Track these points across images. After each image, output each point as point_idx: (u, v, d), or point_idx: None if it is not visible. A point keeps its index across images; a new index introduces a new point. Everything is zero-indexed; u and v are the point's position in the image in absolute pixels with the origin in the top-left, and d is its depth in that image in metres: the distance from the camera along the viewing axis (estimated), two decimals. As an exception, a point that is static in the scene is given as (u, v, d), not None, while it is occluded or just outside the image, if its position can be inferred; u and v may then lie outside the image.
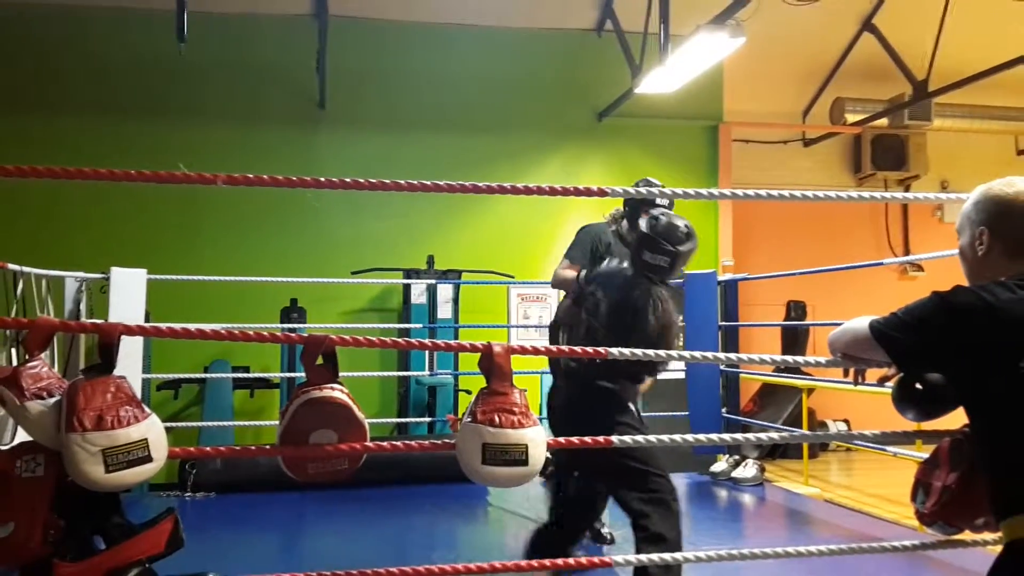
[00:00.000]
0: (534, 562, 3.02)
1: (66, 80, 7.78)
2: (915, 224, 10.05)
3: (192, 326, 2.18)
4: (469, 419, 2.13)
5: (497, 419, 2.09)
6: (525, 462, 2.10)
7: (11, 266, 4.21)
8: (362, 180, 2.29)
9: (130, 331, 2.13)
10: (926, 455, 2.39)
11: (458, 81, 8.52)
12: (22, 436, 2.91)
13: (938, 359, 2.02)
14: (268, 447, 2.22)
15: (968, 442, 2.21)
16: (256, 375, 7.50)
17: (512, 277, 7.97)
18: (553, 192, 2.39)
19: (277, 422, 6.98)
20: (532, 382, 7.72)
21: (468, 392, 7.55)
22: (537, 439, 2.13)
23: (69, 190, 6.90)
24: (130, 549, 2.03)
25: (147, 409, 2.03)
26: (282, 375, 7.33)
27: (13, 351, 3.82)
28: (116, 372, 2.04)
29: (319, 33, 7.37)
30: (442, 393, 7.51)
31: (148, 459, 1.98)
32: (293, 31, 8.02)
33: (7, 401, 2.00)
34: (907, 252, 9.80)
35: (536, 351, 2.34)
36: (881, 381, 2.32)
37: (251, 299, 7.40)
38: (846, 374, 2.31)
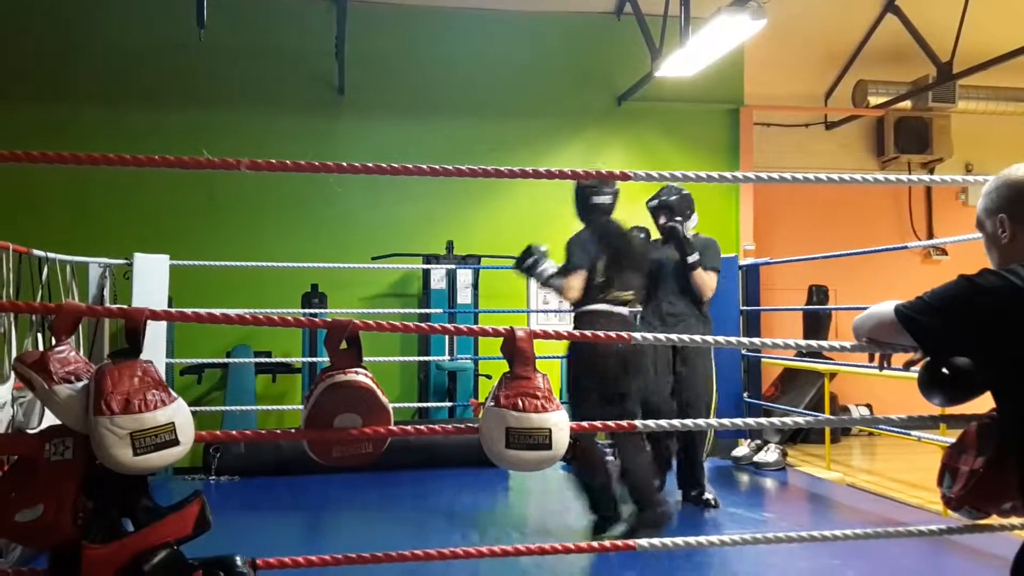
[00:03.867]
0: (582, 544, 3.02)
1: (86, 66, 7.81)
2: (939, 207, 9.94)
3: (217, 311, 2.20)
4: (492, 404, 2.13)
5: (521, 403, 2.10)
6: (549, 446, 2.11)
7: (36, 252, 4.25)
8: (383, 165, 2.30)
9: (156, 316, 2.15)
10: (950, 439, 2.37)
11: (477, 66, 8.49)
12: (50, 420, 2.94)
13: (965, 342, 2.00)
14: (293, 431, 2.23)
15: (995, 426, 2.19)
16: (278, 360, 7.55)
17: (532, 262, 7.95)
18: (575, 176, 2.39)
19: (299, 407, 7.02)
20: (553, 366, 7.73)
21: (488, 377, 7.56)
22: (560, 423, 2.13)
23: (92, 176, 6.95)
24: (158, 531, 2.05)
25: (173, 393, 2.05)
26: (304, 360, 7.37)
27: (39, 336, 3.86)
28: (142, 357, 2.06)
29: (338, 18, 7.36)
30: (462, 378, 7.53)
31: (175, 442, 2.00)
32: (312, 16, 8.02)
33: (36, 385, 2.02)
34: (930, 236, 9.71)
35: (559, 335, 2.34)
36: (907, 366, 2.31)
37: (272, 284, 7.43)
38: (871, 359, 2.29)
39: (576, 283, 4.60)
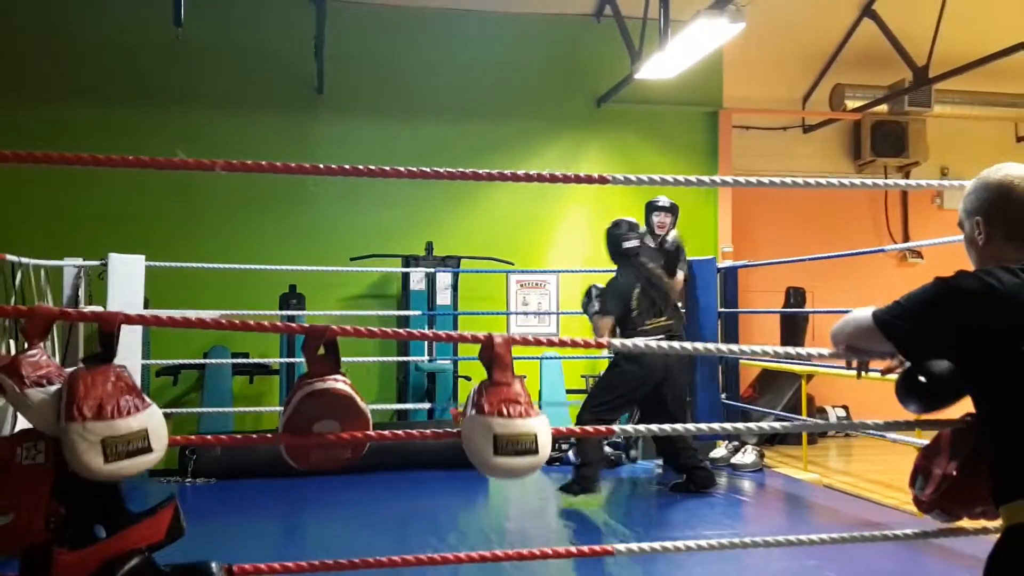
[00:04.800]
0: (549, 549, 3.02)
1: (60, 63, 7.73)
2: (915, 211, 10.04)
3: (192, 315, 2.17)
4: (475, 412, 2.12)
5: (506, 410, 2.09)
6: (536, 451, 2.11)
7: (9, 257, 4.19)
8: (361, 167, 2.28)
9: (130, 320, 2.12)
10: (925, 441, 2.38)
11: (457, 66, 8.48)
12: (23, 425, 2.90)
13: (943, 345, 2.01)
14: (270, 435, 2.21)
15: (970, 430, 2.21)
16: (255, 361, 7.49)
17: (512, 264, 7.96)
18: (554, 179, 2.38)
19: (277, 408, 6.98)
20: (531, 367, 7.74)
21: (468, 379, 7.55)
22: (543, 428, 2.14)
23: (65, 176, 6.87)
24: (130, 537, 2.03)
25: (147, 399, 2.03)
26: (281, 361, 7.32)
27: (12, 341, 3.82)
28: (116, 360, 2.03)
29: (317, 17, 7.33)
30: (442, 379, 7.51)
31: (148, 449, 1.98)
32: (291, 15, 7.96)
33: (7, 389, 1.99)
34: (906, 239, 9.79)
35: (538, 341, 2.34)
36: (885, 373, 2.32)
37: (250, 285, 7.38)
38: (849, 366, 2.30)
39: (607, 326, 5.59)
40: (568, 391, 7.88)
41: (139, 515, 2.09)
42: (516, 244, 8.29)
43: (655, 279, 5.82)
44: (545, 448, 2.13)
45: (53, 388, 1.99)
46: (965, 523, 2.35)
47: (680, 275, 6.47)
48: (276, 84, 8.18)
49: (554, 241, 8.69)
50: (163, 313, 2.18)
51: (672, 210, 6.51)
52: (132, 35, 7.72)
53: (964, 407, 2.13)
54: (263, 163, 2.15)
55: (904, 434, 5.50)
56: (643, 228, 6.21)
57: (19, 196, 7.30)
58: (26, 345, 2.08)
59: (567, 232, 8.69)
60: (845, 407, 9.12)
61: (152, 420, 2.00)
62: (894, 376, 2.30)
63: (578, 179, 2.41)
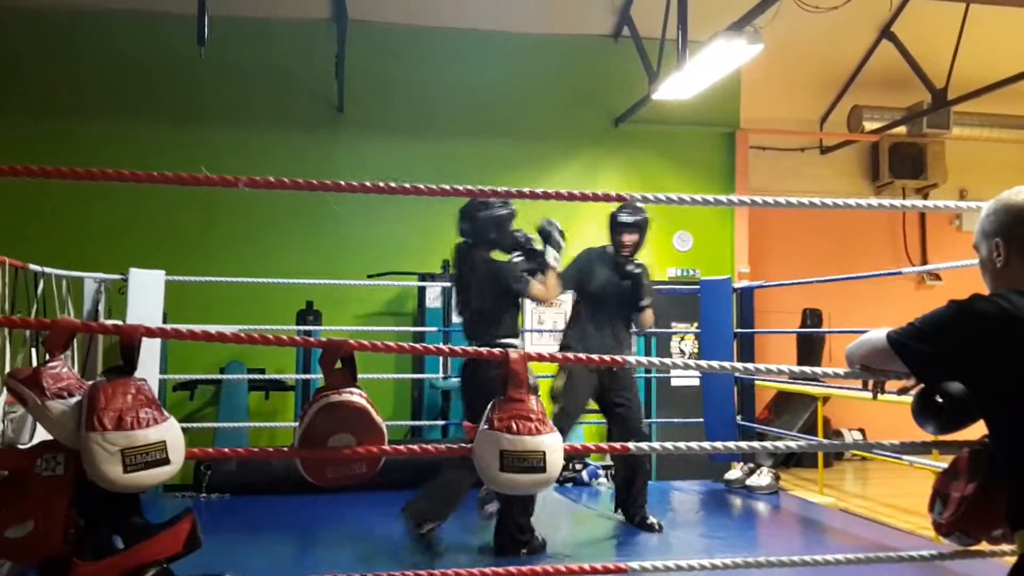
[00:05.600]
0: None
1: (87, 82, 7.85)
2: (933, 233, 9.99)
3: (212, 329, 2.19)
4: (486, 427, 2.13)
5: (515, 426, 2.10)
6: (543, 469, 2.10)
7: (32, 267, 4.24)
8: (381, 184, 2.31)
9: (151, 333, 2.15)
10: (942, 465, 2.37)
11: (475, 86, 8.54)
12: (41, 436, 2.93)
13: (956, 368, 2.01)
14: (285, 449, 2.23)
15: (987, 452, 2.20)
16: (271, 377, 7.53)
17: (527, 282, 7.97)
18: (571, 197, 2.39)
19: (292, 424, 6.96)
20: (544, 385, 7.71)
21: (482, 396, 7.54)
22: (554, 445, 2.13)
23: (90, 191, 6.94)
24: (148, 549, 2.05)
25: (166, 412, 2.05)
26: (297, 377, 7.35)
27: (33, 351, 3.86)
28: (136, 373, 2.06)
29: (338, 37, 7.40)
30: (456, 397, 7.51)
31: (166, 461, 2.00)
32: (312, 35, 8.06)
33: (28, 400, 2.02)
34: (924, 261, 9.74)
35: (553, 358, 2.34)
36: (901, 392, 2.31)
37: (267, 301, 7.42)
38: (865, 386, 2.30)
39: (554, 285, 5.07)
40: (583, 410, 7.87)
41: (157, 527, 2.11)
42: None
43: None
44: (554, 466, 2.13)
45: (73, 400, 2.02)
46: (982, 547, 2.33)
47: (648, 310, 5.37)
48: (297, 103, 8.25)
49: (571, 260, 8.68)
50: (183, 327, 2.20)
51: (634, 228, 5.37)
52: (156, 54, 7.82)
53: (982, 428, 2.13)
54: (285, 180, 2.18)
55: (921, 457, 5.46)
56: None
57: (44, 210, 7.39)
58: (47, 356, 2.11)
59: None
60: (861, 430, 9.06)
61: (170, 432, 2.03)
62: (910, 397, 2.30)
63: (596, 197, 2.42)
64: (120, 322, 5.05)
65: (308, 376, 7.08)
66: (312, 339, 2.71)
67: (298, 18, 8.13)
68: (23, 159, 2.27)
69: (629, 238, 5.36)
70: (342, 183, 2.28)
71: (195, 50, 5.89)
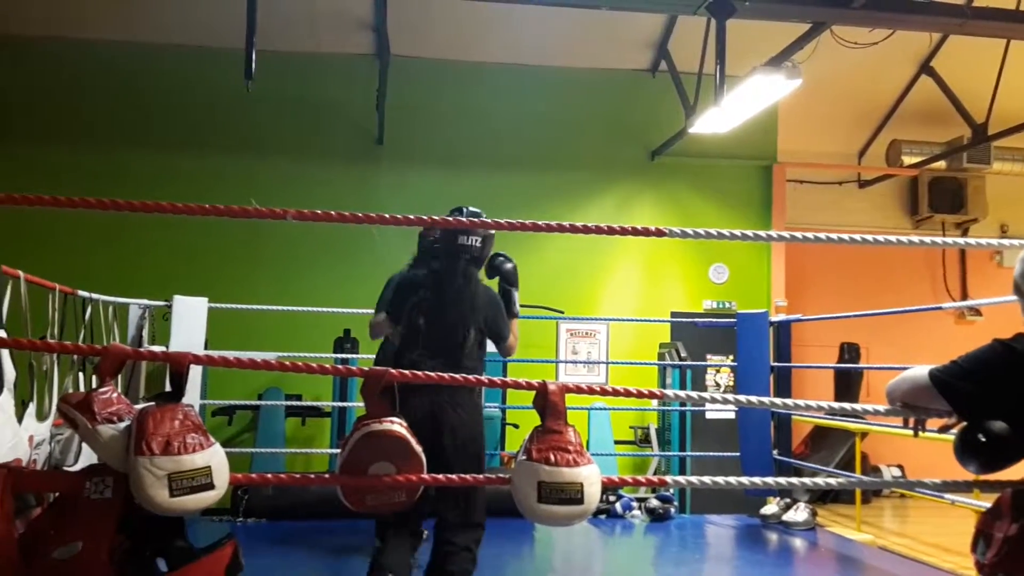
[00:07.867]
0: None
1: (138, 114, 8.05)
2: (973, 268, 9.86)
3: (258, 357, 2.24)
4: (524, 457, 2.15)
5: (553, 458, 2.11)
6: (581, 500, 2.12)
7: (81, 293, 4.35)
8: (424, 217, 2.35)
9: (199, 360, 2.20)
10: (984, 504, 2.35)
11: (513, 118, 8.62)
12: (86, 458, 2.99)
13: (1000, 407, 2.00)
14: (326, 475, 2.26)
15: (1030, 493, 2.17)
16: (308, 403, 7.59)
17: (562, 312, 7.99)
18: (611, 231, 2.42)
19: (327, 450, 6.97)
20: (580, 418, 7.71)
21: (516, 426, 7.55)
22: (592, 477, 2.14)
23: (136, 220, 7.11)
24: (191, 573, 2.09)
25: (211, 438, 2.10)
26: (334, 404, 7.40)
27: (80, 374, 3.94)
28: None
29: (380, 72, 7.53)
30: (490, 427, 7.51)
31: (211, 486, 2.04)
32: (355, 70, 8.20)
33: (79, 424, 2.08)
34: (964, 296, 9.61)
35: (592, 390, 2.35)
36: (942, 430, 2.30)
37: (306, 328, 7.50)
38: (906, 424, 2.29)
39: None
40: (616, 441, 7.84)
41: (200, 551, 2.15)
42: (567, 293, 8.32)
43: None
44: (592, 498, 2.14)
45: (123, 424, 2.07)
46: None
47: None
48: (339, 135, 8.39)
49: (606, 290, 8.71)
50: (230, 354, 2.25)
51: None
52: (204, 87, 8.01)
53: (1024, 469, 2.11)
54: (332, 212, 2.23)
55: (963, 495, 5.37)
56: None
57: (92, 237, 7.55)
58: (95, 381, 2.17)
59: (618, 283, 8.70)
60: (900, 466, 8.91)
61: (215, 458, 2.08)
62: (952, 434, 2.28)
63: (635, 231, 2.44)
64: (165, 348, 5.15)
65: (344, 404, 7.13)
66: (355, 368, 2.75)
67: (342, 52, 8.28)
68: (68, 190, 2.35)
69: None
70: (386, 216, 2.33)
71: (242, 83, 6.02)
